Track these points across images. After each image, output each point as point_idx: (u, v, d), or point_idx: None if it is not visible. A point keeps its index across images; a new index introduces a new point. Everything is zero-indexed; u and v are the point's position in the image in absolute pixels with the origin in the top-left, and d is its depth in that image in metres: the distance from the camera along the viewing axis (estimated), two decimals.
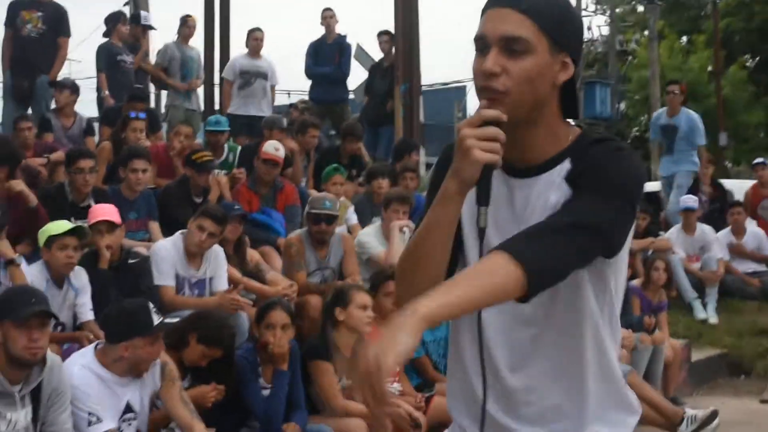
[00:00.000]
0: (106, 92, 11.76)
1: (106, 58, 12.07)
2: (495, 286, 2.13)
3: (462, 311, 2.13)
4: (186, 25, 13.05)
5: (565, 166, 2.35)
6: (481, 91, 2.29)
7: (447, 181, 2.24)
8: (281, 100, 27.82)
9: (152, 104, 13.09)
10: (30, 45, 10.83)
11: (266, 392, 6.35)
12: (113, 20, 12.42)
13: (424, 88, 15.59)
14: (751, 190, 13.54)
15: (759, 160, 13.99)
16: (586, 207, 2.25)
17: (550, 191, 2.35)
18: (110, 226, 6.93)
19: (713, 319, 11.51)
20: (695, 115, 13.27)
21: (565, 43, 2.32)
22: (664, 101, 31.98)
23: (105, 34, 12.38)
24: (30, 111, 10.80)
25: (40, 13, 10.88)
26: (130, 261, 7.05)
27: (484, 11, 2.34)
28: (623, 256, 2.41)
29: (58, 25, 11.05)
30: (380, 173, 10.00)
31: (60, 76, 11.42)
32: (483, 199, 2.23)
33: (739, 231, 12.52)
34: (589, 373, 2.43)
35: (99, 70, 12.10)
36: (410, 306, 2.06)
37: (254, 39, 12.86)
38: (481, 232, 2.23)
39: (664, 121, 13.36)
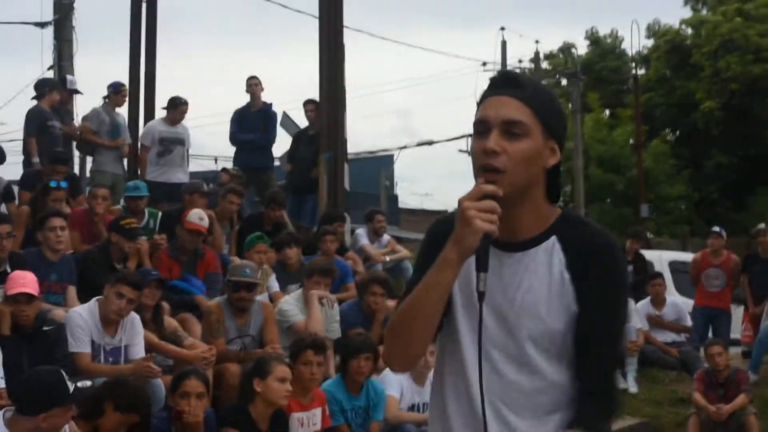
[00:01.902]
0: (36, 159, 11.63)
1: (36, 123, 11.95)
2: None
3: None
4: (120, 93, 12.99)
5: (552, 243, 2.61)
6: (480, 170, 2.54)
7: (448, 249, 2.49)
8: (208, 165, 27.81)
9: (76, 169, 12.88)
10: None
11: None
12: (45, 86, 12.34)
13: (350, 156, 15.67)
14: (700, 256, 13.71)
15: (716, 228, 14.13)
16: (609, 340, 2.62)
17: (536, 266, 2.60)
18: (28, 298, 6.80)
19: (633, 389, 11.61)
20: None
21: (555, 131, 2.60)
22: (588, 173, 32.57)
23: (35, 98, 12.27)
24: None
25: None
26: (45, 328, 6.92)
27: (483, 98, 2.62)
28: None
29: None
30: (289, 242, 10.06)
31: None
32: (482, 266, 2.48)
33: (659, 302, 12.67)
34: None
35: (29, 134, 11.97)
36: None
37: (180, 113, 12.81)
38: (481, 296, 2.48)
39: None
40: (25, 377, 5.51)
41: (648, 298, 12.75)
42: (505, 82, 2.61)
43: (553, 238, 2.62)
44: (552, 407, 2.64)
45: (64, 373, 5.41)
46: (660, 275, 13.19)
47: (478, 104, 2.64)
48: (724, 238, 13.64)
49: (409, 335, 2.60)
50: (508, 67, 35.54)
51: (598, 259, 2.58)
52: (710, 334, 12.57)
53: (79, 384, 5.44)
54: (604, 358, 2.61)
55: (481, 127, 2.58)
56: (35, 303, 6.88)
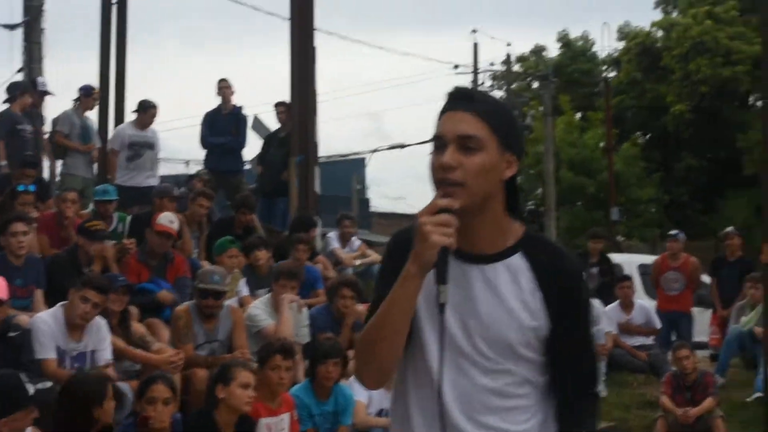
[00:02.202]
0: (4, 162, 11.57)
1: (7, 127, 11.88)
2: None
3: None
4: (91, 96, 12.94)
5: (518, 259, 2.71)
6: (438, 183, 2.63)
7: (408, 264, 2.58)
8: (179, 169, 27.74)
9: (45, 174, 12.80)
10: None
11: None
12: (17, 89, 12.27)
13: (322, 160, 15.66)
14: (660, 260, 13.77)
15: (673, 232, 14.21)
16: (584, 367, 2.78)
17: (501, 280, 2.70)
18: None
19: (602, 392, 11.65)
20: None
21: (511, 144, 2.69)
22: (560, 176, 32.69)
23: (6, 102, 12.19)
24: None
25: None
26: (11, 334, 6.88)
27: (441, 114, 2.69)
28: None
29: None
30: (257, 245, 10.04)
31: None
32: (442, 278, 2.58)
33: (627, 305, 12.71)
34: None
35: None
36: None
37: (150, 116, 12.77)
38: (442, 308, 2.59)
39: None
40: None
41: (617, 302, 12.80)
42: (460, 97, 2.69)
43: (519, 255, 2.72)
44: (522, 412, 2.75)
45: (22, 376, 5.37)
46: (628, 278, 13.23)
47: (437, 119, 2.71)
48: (682, 242, 13.71)
49: (379, 354, 2.68)
50: (480, 70, 35.69)
51: (570, 284, 2.71)
52: (673, 338, 12.63)
53: (39, 386, 5.40)
54: (584, 376, 2.78)
55: (438, 142, 2.66)
56: (2, 308, 6.85)
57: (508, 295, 2.69)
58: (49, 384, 5.48)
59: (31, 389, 5.29)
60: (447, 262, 2.57)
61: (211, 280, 8.18)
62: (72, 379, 6.12)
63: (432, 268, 2.58)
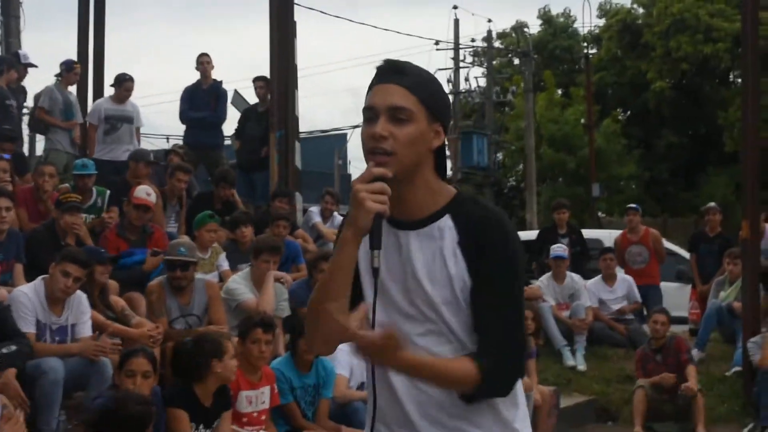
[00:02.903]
0: None
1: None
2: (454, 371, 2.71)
3: (420, 372, 2.71)
4: (73, 71, 12.85)
5: (446, 221, 2.80)
6: (370, 153, 2.73)
7: (344, 230, 2.71)
8: (160, 144, 27.60)
9: (26, 149, 12.66)
10: None
11: None
12: (2, 64, 12.17)
13: (303, 135, 15.59)
14: (620, 237, 13.79)
15: (632, 205, 14.24)
16: (502, 325, 2.75)
17: (430, 242, 2.79)
18: None
19: (582, 366, 11.72)
20: None
21: (438, 115, 2.81)
22: (541, 153, 32.72)
23: None
24: None
25: None
26: None
27: (371, 87, 2.80)
28: None
29: None
30: (243, 221, 10.03)
31: None
32: (376, 244, 2.68)
33: (609, 277, 12.73)
34: None
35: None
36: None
37: (125, 89, 12.70)
38: (375, 272, 2.69)
39: None
40: None
41: (599, 276, 12.82)
42: (391, 71, 2.80)
43: (447, 216, 2.81)
44: None
45: None
46: (611, 250, 13.23)
47: (367, 92, 2.81)
48: (640, 213, 13.76)
49: (324, 318, 2.74)
50: (461, 46, 35.65)
51: (487, 234, 2.76)
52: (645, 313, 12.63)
53: (4, 350, 5.34)
54: (500, 328, 2.75)
55: (370, 114, 2.77)
56: None
57: (436, 257, 2.78)
58: (13, 347, 5.39)
59: None
60: (380, 229, 2.68)
61: (178, 252, 8.15)
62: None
63: (366, 234, 2.68)
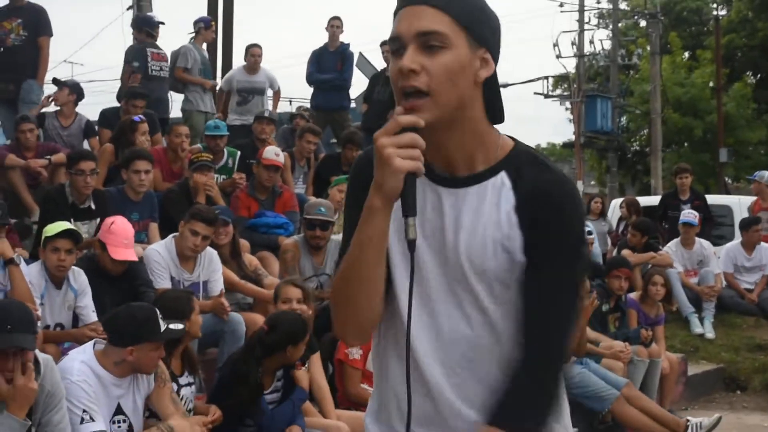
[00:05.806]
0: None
1: (141, 60, 11.85)
2: None
3: None
4: (211, 28, 13.08)
5: (502, 179, 2.28)
6: (401, 94, 2.19)
7: (371, 196, 2.16)
8: (283, 107, 27.89)
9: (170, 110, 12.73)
10: (15, 52, 10.52)
11: (273, 397, 6.32)
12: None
13: None
14: (754, 204, 13.47)
15: (754, 176, 13.87)
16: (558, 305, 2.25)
17: (482, 205, 2.28)
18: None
19: (710, 334, 11.51)
20: None
21: (483, 38, 2.24)
22: (665, 116, 32.02)
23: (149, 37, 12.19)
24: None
25: (19, 20, 10.58)
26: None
27: (396, 12, 2.25)
28: None
29: (38, 26, 10.76)
30: None
31: (62, 78, 11.28)
32: (410, 210, 2.14)
33: (751, 246, 12.21)
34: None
35: (133, 71, 11.83)
36: None
37: (252, 55, 12.83)
38: (411, 245, 2.14)
39: None
40: (118, 310, 5.55)
41: (738, 241, 12.47)
42: None
43: (503, 174, 2.28)
44: (501, 361, 2.32)
45: (157, 311, 5.48)
46: (758, 220, 12.73)
47: (393, 18, 2.28)
48: (765, 182, 13.36)
49: (355, 302, 2.27)
50: (586, 8, 35.01)
51: (555, 205, 2.24)
52: None
53: (171, 326, 5.50)
54: (549, 324, 2.25)
55: (396, 45, 2.22)
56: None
57: (489, 223, 2.26)
58: (180, 326, 5.57)
59: (162, 326, 5.39)
60: (414, 191, 2.14)
61: (318, 212, 8.23)
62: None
63: (398, 198, 2.15)
